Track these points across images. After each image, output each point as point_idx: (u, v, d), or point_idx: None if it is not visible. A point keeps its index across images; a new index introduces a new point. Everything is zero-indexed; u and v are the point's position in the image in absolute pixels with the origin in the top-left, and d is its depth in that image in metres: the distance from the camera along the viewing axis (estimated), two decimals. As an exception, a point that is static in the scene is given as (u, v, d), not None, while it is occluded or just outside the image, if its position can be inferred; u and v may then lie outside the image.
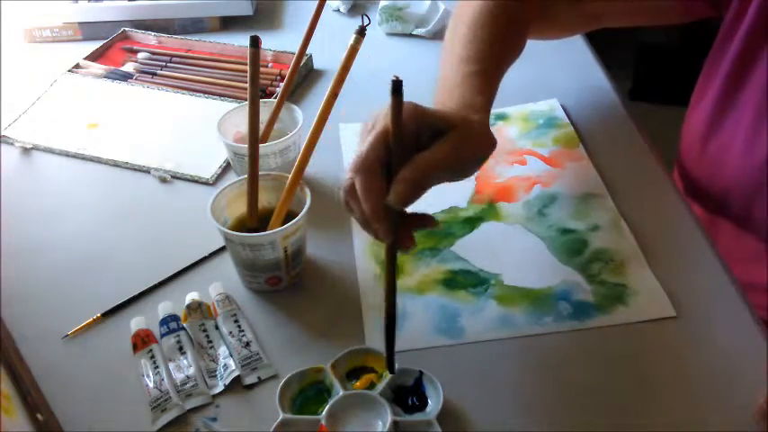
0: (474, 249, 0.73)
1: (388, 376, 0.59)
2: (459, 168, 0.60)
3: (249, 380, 0.62)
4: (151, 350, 0.64)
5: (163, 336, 0.65)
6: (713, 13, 0.79)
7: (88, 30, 1.12)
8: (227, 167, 0.85)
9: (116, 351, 0.65)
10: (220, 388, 0.62)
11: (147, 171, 0.86)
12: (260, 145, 0.70)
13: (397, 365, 0.60)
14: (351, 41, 0.65)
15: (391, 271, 0.58)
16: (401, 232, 0.58)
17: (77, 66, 1.04)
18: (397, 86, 0.53)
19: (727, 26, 0.77)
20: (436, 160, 0.56)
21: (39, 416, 0.58)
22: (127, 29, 1.12)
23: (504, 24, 0.74)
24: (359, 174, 0.56)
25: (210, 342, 0.65)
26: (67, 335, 0.67)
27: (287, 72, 0.80)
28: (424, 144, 0.57)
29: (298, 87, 0.99)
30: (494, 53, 0.70)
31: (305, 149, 0.68)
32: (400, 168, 0.55)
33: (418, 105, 0.58)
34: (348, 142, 0.87)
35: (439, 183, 0.59)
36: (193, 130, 0.92)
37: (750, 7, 0.73)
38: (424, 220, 0.60)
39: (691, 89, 0.85)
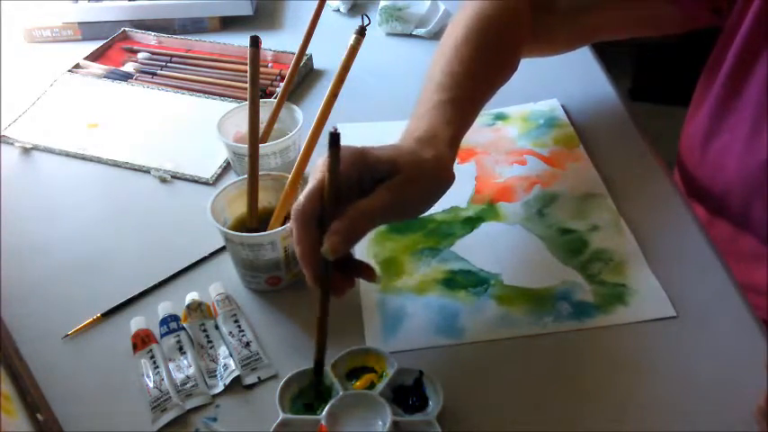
0: (474, 249, 0.73)
1: (388, 376, 0.59)
2: (403, 212, 0.60)
3: (249, 380, 0.62)
4: (151, 350, 0.64)
5: (163, 336, 0.65)
6: (714, 21, 0.79)
7: (88, 30, 1.12)
8: (227, 167, 0.85)
9: (116, 351, 0.65)
10: (220, 388, 0.62)
11: (146, 171, 0.86)
12: (260, 145, 0.70)
13: (397, 365, 0.60)
14: (351, 41, 0.65)
15: (322, 317, 0.58)
16: (338, 281, 0.58)
17: (77, 66, 1.04)
18: (334, 140, 0.53)
19: (728, 29, 0.77)
20: (371, 209, 0.56)
21: (39, 416, 0.58)
22: (127, 29, 1.12)
23: (494, 41, 0.73)
24: (294, 222, 0.57)
25: (210, 342, 0.65)
26: (67, 335, 0.67)
27: (287, 72, 0.80)
28: (367, 188, 0.57)
29: (298, 87, 0.99)
30: (474, 78, 0.69)
31: (305, 149, 0.68)
32: (333, 219, 0.55)
33: (363, 150, 0.58)
34: (348, 142, 0.86)
35: (382, 224, 0.60)
36: (193, 130, 0.92)
37: (750, 10, 0.73)
38: (366, 272, 0.60)
39: (691, 89, 0.85)
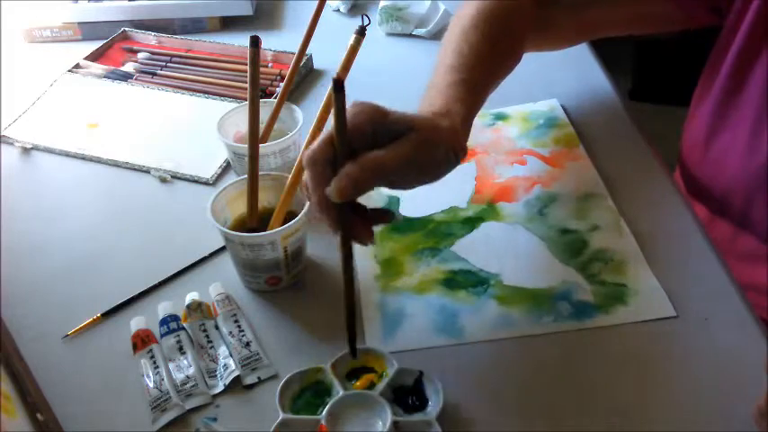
0: (474, 249, 0.73)
1: (388, 376, 0.59)
2: (414, 172, 0.59)
3: (249, 380, 0.62)
4: (151, 350, 0.64)
5: (163, 336, 0.65)
6: (714, 19, 0.79)
7: (88, 30, 1.12)
8: (227, 167, 0.85)
9: (116, 351, 0.65)
10: (220, 388, 0.62)
11: (146, 171, 0.86)
12: (260, 145, 0.70)
13: (397, 365, 0.60)
14: (351, 41, 0.65)
15: (347, 263, 0.58)
16: (358, 226, 0.58)
17: (77, 66, 1.04)
18: (338, 86, 0.53)
19: (728, 29, 0.77)
20: (384, 159, 0.56)
21: (39, 416, 0.58)
22: (127, 29, 1.12)
23: (500, 29, 0.73)
24: (308, 167, 0.57)
25: (210, 342, 0.65)
26: (67, 335, 0.67)
27: (287, 72, 0.80)
28: (381, 146, 0.57)
29: (298, 87, 0.99)
30: (482, 63, 0.69)
31: (305, 149, 0.68)
32: (345, 164, 0.55)
33: (379, 107, 0.58)
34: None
35: (391, 185, 0.59)
36: (193, 130, 0.92)
37: (750, 9, 0.73)
38: (382, 214, 0.61)
39: (691, 89, 0.85)
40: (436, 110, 0.62)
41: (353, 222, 0.58)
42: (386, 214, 0.62)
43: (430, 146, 0.58)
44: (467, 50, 0.69)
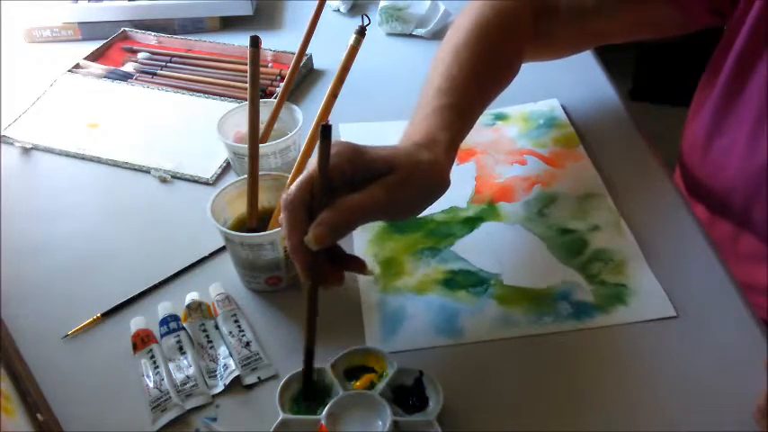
0: (474, 249, 0.73)
1: (388, 376, 0.59)
2: (393, 212, 0.60)
3: (249, 380, 0.62)
4: (151, 350, 0.64)
5: (163, 336, 0.65)
6: (715, 21, 0.79)
7: (88, 30, 1.12)
8: (227, 167, 0.85)
9: (116, 351, 0.65)
10: (220, 388, 0.62)
11: (147, 171, 0.86)
12: (260, 145, 0.70)
13: (396, 365, 0.60)
14: (351, 41, 0.65)
15: (311, 308, 0.58)
16: (329, 272, 0.58)
17: (77, 66, 1.04)
18: (325, 131, 0.53)
19: (730, 30, 0.77)
20: (362, 204, 0.56)
21: (39, 416, 0.58)
22: (127, 29, 1.12)
23: (494, 45, 0.73)
24: (284, 211, 0.57)
25: (210, 342, 0.65)
26: (67, 335, 0.67)
27: (287, 72, 0.80)
28: (359, 186, 0.57)
29: (298, 87, 0.99)
30: (473, 85, 0.69)
31: (305, 149, 0.68)
32: (322, 209, 0.55)
33: (358, 147, 0.58)
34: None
35: (371, 221, 0.59)
36: (193, 130, 0.92)
37: (751, 11, 0.73)
38: (357, 264, 0.61)
39: (691, 89, 0.85)
40: (418, 140, 0.62)
41: (325, 269, 0.58)
42: (359, 263, 0.61)
43: (408, 186, 0.58)
44: (456, 72, 0.69)
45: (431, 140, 0.62)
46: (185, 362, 0.63)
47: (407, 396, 0.59)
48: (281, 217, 0.57)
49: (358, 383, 0.60)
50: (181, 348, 0.65)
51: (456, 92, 0.67)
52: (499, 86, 0.75)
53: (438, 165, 0.61)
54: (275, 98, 0.81)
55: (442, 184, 0.61)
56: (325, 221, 0.55)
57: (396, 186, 0.57)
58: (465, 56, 0.70)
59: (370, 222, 0.61)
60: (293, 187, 0.57)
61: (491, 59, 0.72)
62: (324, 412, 0.57)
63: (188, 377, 0.62)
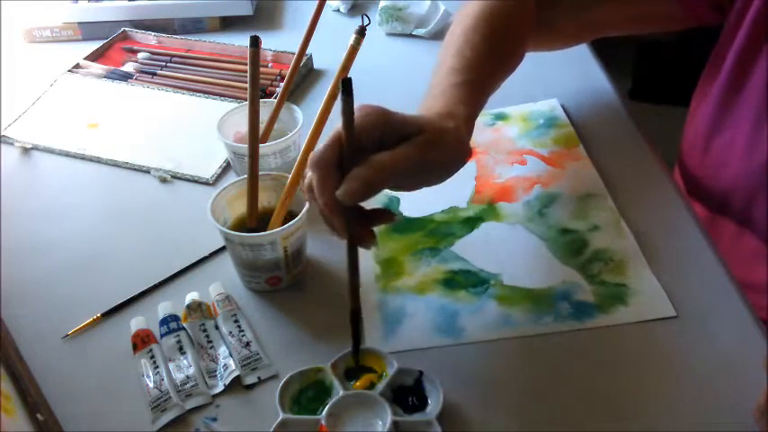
0: (474, 249, 0.73)
1: (388, 376, 0.59)
2: (422, 173, 0.60)
3: (249, 380, 0.62)
4: (151, 350, 0.64)
5: (163, 336, 0.65)
6: (716, 17, 0.79)
7: (88, 30, 1.12)
8: (227, 167, 0.85)
9: (116, 351, 0.65)
10: (220, 388, 0.62)
11: (147, 171, 0.86)
12: (260, 145, 0.70)
13: (396, 365, 0.60)
14: (351, 41, 0.65)
15: (353, 266, 0.58)
16: (360, 229, 0.58)
17: (77, 66, 1.04)
18: (346, 86, 0.53)
19: (729, 27, 0.77)
20: (393, 161, 0.56)
21: (39, 416, 0.58)
22: (127, 29, 1.12)
23: (501, 30, 0.73)
24: (315, 170, 0.56)
25: (210, 342, 0.65)
26: (67, 335, 0.67)
27: (287, 72, 0.80)
28: (389, 148, 0.57)
29: (298, 87, 0.99)
30: (484, 64, 0.69)
31: (305, 149, 0.68)
32: (353, 167, 0.55)
33: (386, 110, 0.58)
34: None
35: (398, 187, 0.60)
36: (193, 130, 0.92)
37: (751, 8, 0.73)
38: (383, 215, 0.61)
39: (691, 88, 0.85)
40: (439, 111, 0.62)
41: (357, 227, 0.58)
42: (386, 214, 0.62)
43: (438, 147, 0.58)
44: (468, 52, 0.69)
45: (450, 112, 0.62)
46: (185, 362, 0.63)
47: (407, 396, 0.59)
48: (308, 177, 0.57)
49: (358, 383, 0.60)
50: (181, 348, 0.65)
51: (470, 70, 0.68)
52: (507, 69, 0.75)
53: (461, 133, 0.61)
54: (275, 98, 0.81)
55: (466, 152, 0.61)
56: (358, 176, 0.55)
57: (428, 145, 0.57)
58: (476, 39, 0.71)
59: (396, 189, 0.60)
60: (321, 145, 0.56)
61: (499, 44, 0.73)
62: (324, 412, 0.57)
63: (188, 377, 0.62)
